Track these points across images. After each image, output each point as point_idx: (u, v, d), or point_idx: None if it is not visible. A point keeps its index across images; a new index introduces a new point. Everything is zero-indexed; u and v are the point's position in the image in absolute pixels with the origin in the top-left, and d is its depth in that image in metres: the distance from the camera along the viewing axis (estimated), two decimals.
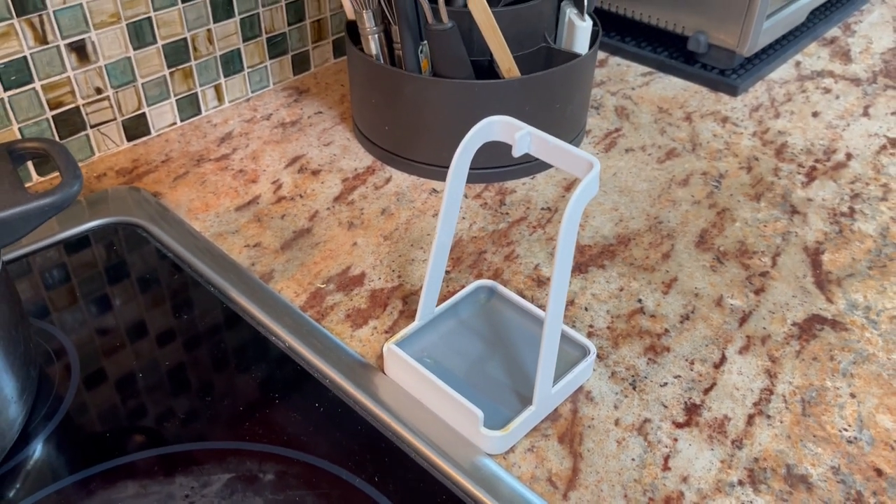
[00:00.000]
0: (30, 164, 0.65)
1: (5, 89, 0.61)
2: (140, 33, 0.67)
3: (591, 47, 0.68)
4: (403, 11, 0.61)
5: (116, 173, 0.68)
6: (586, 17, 0.66)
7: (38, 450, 0.45)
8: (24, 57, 0.61)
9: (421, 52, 0.64)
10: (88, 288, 0.56)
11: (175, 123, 0.74)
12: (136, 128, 0.71)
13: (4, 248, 0.40)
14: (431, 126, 0.65)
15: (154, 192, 0.66)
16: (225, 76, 0.76)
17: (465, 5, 0.60)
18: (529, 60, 0.66)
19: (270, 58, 0.79)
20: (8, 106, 0.62)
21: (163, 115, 0.73)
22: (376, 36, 0.64)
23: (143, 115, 0.71)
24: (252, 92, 0.79)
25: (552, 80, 0.64)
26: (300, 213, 0.64)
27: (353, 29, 0.69)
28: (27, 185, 0.66)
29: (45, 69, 0.63)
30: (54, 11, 0.61)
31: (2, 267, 0.41)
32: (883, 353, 0.52)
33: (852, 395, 0.49)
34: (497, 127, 0.45)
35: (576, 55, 0.65)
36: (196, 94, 0.75)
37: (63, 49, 0.63)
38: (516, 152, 0.44)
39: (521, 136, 0.44)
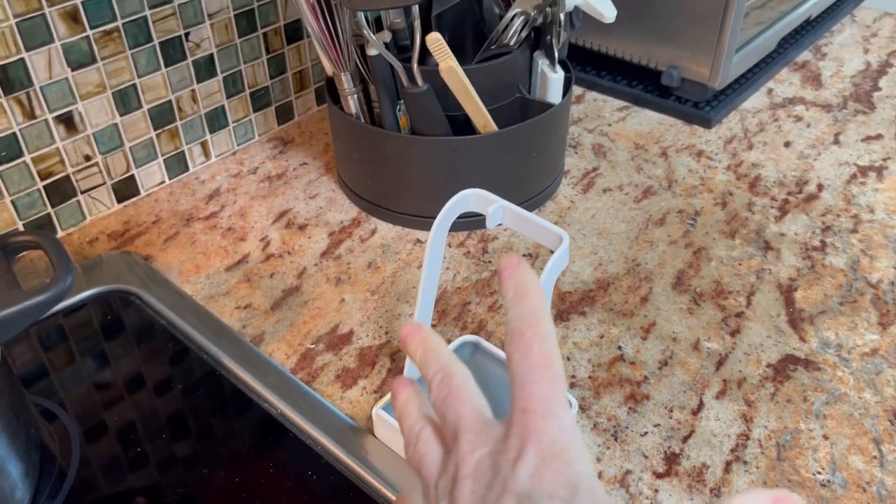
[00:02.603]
0: None
1: None
2: (126, 100, 0.69)
3: (564, 95, 0.70)
4: (380, 74, 0.62)
5: (108, 237, 0.70)
6: (558, 67, 0.68)
7: None
8: (14, 133, 0.63)
9: (399, 110, 0.66)
10: (84, 360, 0.57)
11: (164, 182, 0.76)
12: (125, 189, 0.73)
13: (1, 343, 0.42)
14: (413, 180, 0.67)
15: (145, 256, 0.68)
16: (210, 132, 0.78)
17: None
18: (505, 112, 0.68)
19: (254, 111, 0.81)
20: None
21: (151, 175, 0.75)
22: (356, 96, 0.66)
23: (132, 176, 0.73)
24: (238, 145, 0.81)
25: (528, 132, 0.66)
26: (288, 271, 0.66)
27: (332, 86, 0.70)
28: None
29: (35, 142, 0.65)
30: (41, 87, 0.63)
31: (2, 360, 0.42)
32: (854, 392, 0.54)
33: (825, 437, 0.51)
34: (471, 200, 0.47)
35: (549, 105, 0.67)
36: (183, 151, 0.76)
37: (51, 122, 0.65)
38: (490, 224, 0.46)
39: (494, 210, 0.46)
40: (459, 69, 0.58)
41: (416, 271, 0.65)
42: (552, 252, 0.43)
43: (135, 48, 0.68)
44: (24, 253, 0.45)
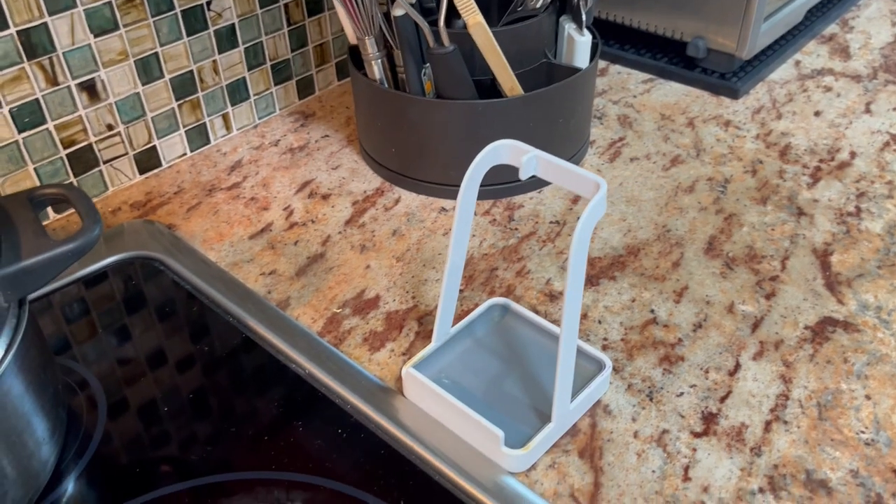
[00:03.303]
0: None
1: (20, 131, 0.63)
2: (148, 69, 0.69)
3: (591, 60, 0.69)
4: (405, 37, 0.62)
5: (131, 207, 0.69)
6: (585, 31, 0.67)
7: (70, 488, 0.46)
8: (37, 99, 0.63)
9: (424, 74, 0.65)
10: (109, 322, 0.57)
11: (185, 154, 0.75)
12: (147, 161, 0.73)
13: (29, 294, 0.41)
14: (437, 147, 0.66)
15: (168, 225, 0.67)
16: (232, 105, 0.77)
17: (466, 27, 0.61)
18: (531, 77, 0.67)
19: (275, 84, 0.80)
20: (23, 147, 0.63)
21: (173, 147, 0.74)
22: (379, 61, 0.65)
23: (154, 147, 0.73)
24: (259, 119, 0.81)
25: (554, 96, 0.65)
26: (313, 239, 0.65)
27: (355, 54, 0.70)
28: (44, 223, 0.67)
29: (57, 109, 0.64)
30: (63, 53, 0.63)
31: (28, 312, 0.42)
32: None
33: (867, 397, 0.50)
34: (503, 150, 0.46)
35: (576, 69, 0.66)
36: (204, 123, 0.76)
37: (74, 89, 0.64)
38: (523, 175, 0.45)
39: (528, 159, 0.45)
40: (487, 26, 0.57)
41: (442, 239, 0.64)
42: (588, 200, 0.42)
43: (157, 16, 0.67)
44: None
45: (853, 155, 0.72)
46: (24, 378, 0.41)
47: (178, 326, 0.56)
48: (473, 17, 0.56)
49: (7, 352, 0.39)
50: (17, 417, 0.41)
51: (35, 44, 0.61)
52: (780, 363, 0.52)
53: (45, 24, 0.61)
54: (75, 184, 0.68)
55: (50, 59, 0.62)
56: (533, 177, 0.46)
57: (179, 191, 0.71)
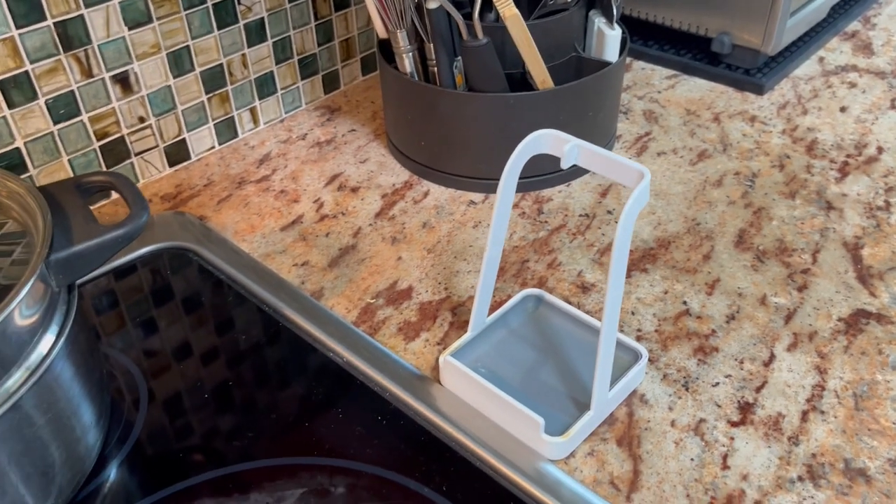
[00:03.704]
0: None
1: (55, 123, 0.63)
2: (179, 62, 0.69)
3: (620, 54, 0.69)
4: (438, 29, 0.62)
5: (161, 199, 0.70)
6: (615, 25, 0.68)
7: (113, 473, 0.46)
8: (72, 91, 0.63)
9: (455, 67, 0.65)
10: (144, 312, 0.57)
11: (214, 147, 0.76)
12: (177, 153, 0.73)
13: (80, 278, 0.42)
14: (467, 139, 0.67)
15: (199, 216, 0.67)
16: (259, 99, 0.78)
17: (497, 20, 0.62)
18: (560, 71, 0.67)
19: (302, 78, 0.81)
20: (58, 138, 0.64)
21: (202, 140, 0.75)
22: (411, 54, 0.66)
23: (184, 140, 0.73)
24: (285, 113, 0.81)
25: (584, 89, 0.65)
26: (344, 231, 0.65)
27: (384, 48, 0.70)
28: None
29: (92, 101, 0.65)
30: (99, 45, 0.63)
31: (77, 296, 0.42)
32: None
33: None
34: (545, 140, 0.46)
35: (606, 63, 0.66)
36: (233, 117, 0.76)
37: (108, 81, 0.65)
38: (565, 164, 0.45)
39: (570, 149, 0.45)
40: (522, 19, 0.57)
41: (472, 231, 0.65)
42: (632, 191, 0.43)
43: (189, 9, 0.68)
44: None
45: (880, 150, 0.73)
46: (74, 362, 0.41)
47: (213, 316, 0.57)
48: (510, 9, 0.56)
49: (59, 336, 0.39)
50: (67, 401, 0.41)
51: (71, 36, 0.61)
52: (815, 354, 0.53)
53: (81, 17, 0.61)
54: None
55: (85, 51, 0.63)
56: (569, 168, 0.47)
57: (209, 183, 0.72)
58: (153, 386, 0.51)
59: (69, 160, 0.65)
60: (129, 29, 0.65)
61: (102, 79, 0.65)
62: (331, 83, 0.84)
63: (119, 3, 0.63)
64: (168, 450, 0.47)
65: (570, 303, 0.57)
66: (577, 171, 0.70)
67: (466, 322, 0.54)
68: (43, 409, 0.39)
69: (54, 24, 0.60)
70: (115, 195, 0.69)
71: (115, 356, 0.53)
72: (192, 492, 0.44)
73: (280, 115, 0.81)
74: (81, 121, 0.65)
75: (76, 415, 0.43)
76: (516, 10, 0.57)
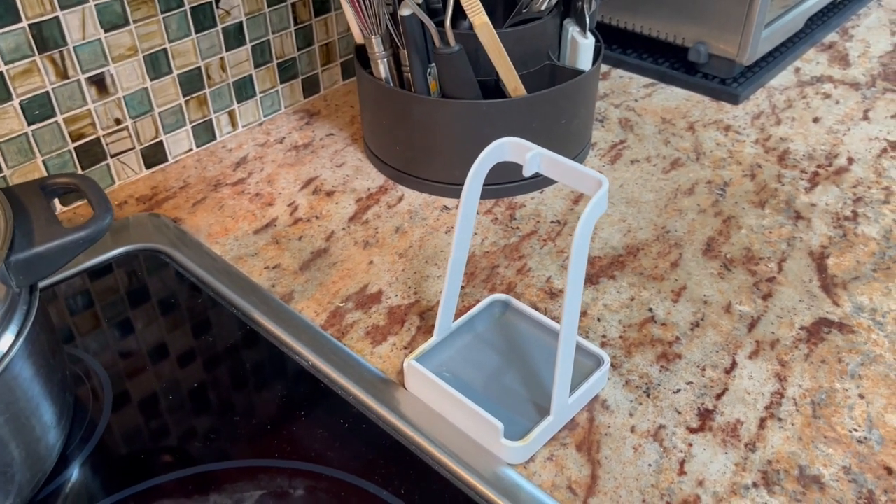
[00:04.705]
0: None
1: (29, 123, 0.63)
2: (156, 64, 0.70)
3: (594, 63, 0.70)
4: (412, 36, 0.62)
5: (137, 200, 0.70)
6: (588, 34, 0.68)
7: (75, 473, 0.46)
8: (47, 92, 0.63)
9: (429, 74, 0.66)
10: (114, 313, 0.58)
11: (191, 150, 0.76)
12: (154, 155, 0.73)
13: (41, 280, 0.42)
14: (441, 145, 0.67)
15: (174, 218, 0.68)
16: (238, 102, 0.78)
17: (471, 28, 0.62)
18: (534, 78, 0.68)
19: (281, 82, 0.81)
20: (32, 139, 0.64)
21: (179, 142, 0.75)
22: (385, 60, 0.66)
23: (161, 142, 0.73)
24: (264, 116, 0.81)
25: (557, 97, 0.66)
26: (317, 234, 0.66)
27: (362, 53, 0.71)
28: None
29: (67, 103, 0.65)
30: (74, 47, 0.64)
31: (39, 298, 0.42)
32: (890, 354, 0.54)
33: (861, 396, 0.51)
34: (508, 148, 0.47)
35: (579, 72, 0.67)
36: (211, 120, 0.77)
37: (83, 83, 0.65)
38: (527, 172, 0.46)
39: (532, 157, 0.45)
40: (492, 27, 0.58)
41: (444, 236, 0.65)
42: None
43: (166, 12, 0.68)
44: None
45: (851, 161, 0.73)
46: (34, 363, 0.42)
47: (182, 318, 0.57)
48: (480, 18, 0.57)
49: (18, 336, 0.40)
50: (26, 401, 0.42)
51: (46, 37, 0.62)
52: (776, 362, 0.53)
53: (56, 18, 0.62)
54: None
55: (61, 52, 0.63)
56: (535, 175, 0.47)
57: (185, 185, 0.72)
58: (118, 387, 0.51)
59: (43, 161, 0.66)
60: (106, 31, 0.65)
61: (78, 80, 0.65)
62: (311, 87, 0.85)
63: (95, 5, 0.63)
64: (130, 450, 0.47)
65: (537, 309, 0.57)
66: (550, 179, 0.70)
67: (433, 327, 0.54)
68: (1, 409, 0.39)
69: (29, 25, 0.60)
70: None
71: (82, 356, 0.54)
72: (152, 492, 0.45)
73: (259, 119, 0.81)
74: (56, 122, 0.65)
75: (36, 414, 0.43)
76: (486, 19, 0.57)
